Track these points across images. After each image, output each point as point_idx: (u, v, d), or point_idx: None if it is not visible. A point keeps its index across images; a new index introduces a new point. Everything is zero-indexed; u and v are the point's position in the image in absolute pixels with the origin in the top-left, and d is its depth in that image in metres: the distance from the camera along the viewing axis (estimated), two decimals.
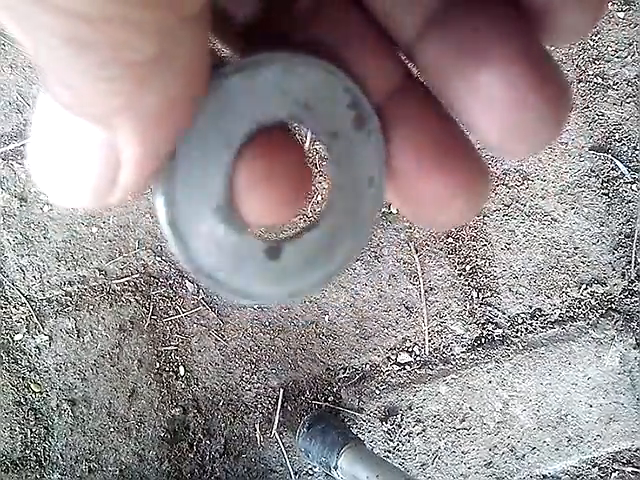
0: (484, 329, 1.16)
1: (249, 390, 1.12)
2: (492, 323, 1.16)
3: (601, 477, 1.15)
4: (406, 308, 1.15)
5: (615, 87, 1.23)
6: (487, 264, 1.17)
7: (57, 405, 1.11)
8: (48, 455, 1.10)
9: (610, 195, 1.20)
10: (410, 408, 1.13)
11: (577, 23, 0.14)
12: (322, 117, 0.15)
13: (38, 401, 1.11)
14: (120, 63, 0.10)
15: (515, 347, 1.16)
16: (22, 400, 1.11)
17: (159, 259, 1.14)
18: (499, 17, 0.13)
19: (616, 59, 1.24)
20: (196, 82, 0.12)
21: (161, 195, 0.14)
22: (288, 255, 0.16)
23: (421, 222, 0.16)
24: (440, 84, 0.14)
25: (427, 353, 1.15)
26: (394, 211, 1.17)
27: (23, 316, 1.12)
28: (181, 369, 1.12)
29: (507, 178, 1.19)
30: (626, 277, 1.19)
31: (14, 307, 1.12)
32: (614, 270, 1.19)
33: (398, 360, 1.14)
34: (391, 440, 1.12)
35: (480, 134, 0.14)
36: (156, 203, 0.15)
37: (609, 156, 1.21)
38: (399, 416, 1.13)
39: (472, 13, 0.13)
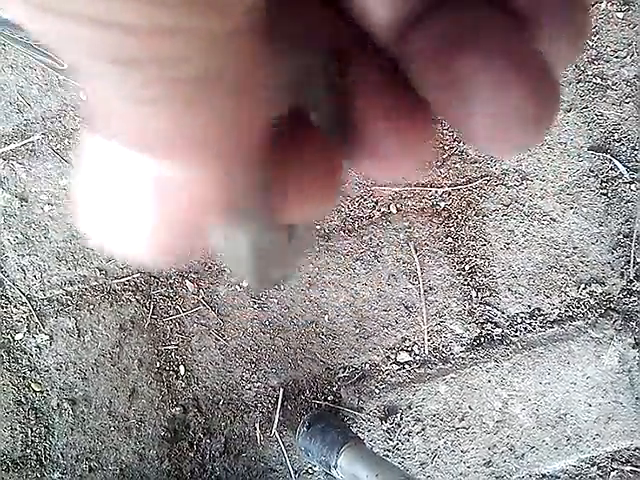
0: (483, 328, 1.16)
1: (249, 389, 1.12)
2: (491, 322, 1.16)
3: (600, 476, 1.15)
4: (405, 308, 1.15)
5: (614, 87, 1.23)
6: (486, 264, 1.17)
7: (58, 404, 1.11)
8: (49, 454, 1.10)
9: (609, 195, 1.20)
10: (410, 407, 1.13)
11: (562, 52, 0.13)
12: None
13: (39, 400, 1.11)
14: (165, 81, 0.09)
15: (514, 346, 1.16)
16: (23, 399, 1.11)
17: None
18: (484, 15, 0.13)
19: (615, 59, 1.24)
20: (253, 102, 0.11)
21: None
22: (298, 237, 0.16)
23: (377, 174, 0.15)
24: (422, 79, 0.14)
25: (426, 352, 1.15)
26: (394, 211, 1.17)
27: (24, 315, 1.12)
28: (181, 368, 1.12)
29: (506, 178, 1.19)
30: (625, 277, 1.19)
31: (15, 307, 1.13)
32: (613, 270, 1.19)
33: (398, 359, 1.14)
34: (391, 439, 1.13)
35: (463, 129, 0.14)
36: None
37: (608, 156, 1.21)
38: (399, 415, 1.13)
39: (455, 9, 0.13)
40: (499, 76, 0.12)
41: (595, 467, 1.15)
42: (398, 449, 1.13)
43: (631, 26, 1.25)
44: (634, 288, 1.19)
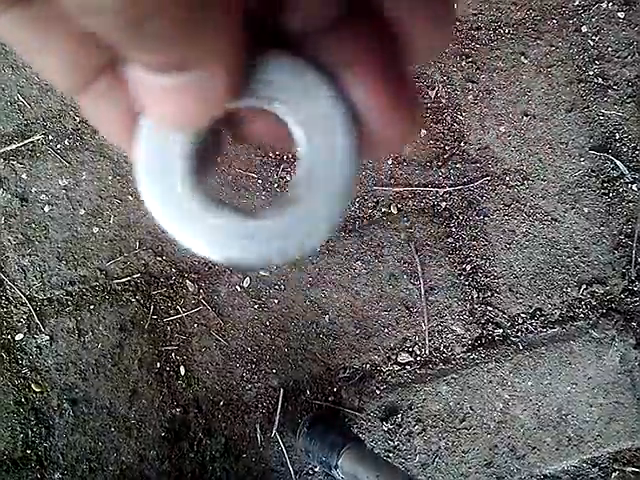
0: (484, 329, 1.16)
1: (249, 390, 1.12)
2: (492, 323, 1.16)
3: (601, 477, 1.15)
4: (406, 308, 1.15)
5: (615, 87, 1.23)
6: (487, 264, 1.17)
7: (58, 405, 1.11)
8: (49, 455, 1.10)
9: (610, 195, 1.20)
10: (410, 408, 1.13)
11: (427, 47, 0.17)
12: (297, 107, 0.17)
13: (39, 401, 1.11)
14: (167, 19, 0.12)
15: (515, 347, 1.16)
16: (23, 400, 1.11)
17: (160, 259, 1.14)
18: (366, 29, 0.16)
19: (616, 59, 1.24)
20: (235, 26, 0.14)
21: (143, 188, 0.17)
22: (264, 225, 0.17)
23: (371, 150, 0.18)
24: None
25: (427, 353, 1.15)
26: (394, 211, 1.17)
27: (24, 316, 1.12)
28: (182, 369, 1.12)
29: (507, 178, 1.19)
30: (626, 277, 1.19)
31: (15, 307, 1.12)
32: (614, 270, 1.19)
33: (398, 360, 1.14)
34: (391, 440, 1.12)
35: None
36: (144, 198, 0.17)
37: (609, 156, 1.21)
38: (399, 416, 1.13)
39: (356, 24, 0.16)
40: (366, 90, 0.17)
41: (596, 468, 1.15)
42: (399, 450, 1.12)
43: (632, 26, 1.25)
44: (635, 288, 1.18)
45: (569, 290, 1.18)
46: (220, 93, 0.15)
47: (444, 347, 1.15)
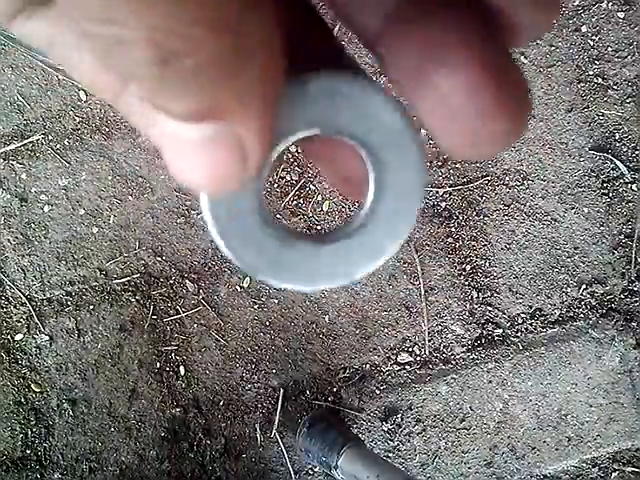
0: (484, 329, 1.16)
1: (249, 390, 1.12)
2: (492, 323, 1.16)
3: (601, 477, 1.15)
4: (406, 308, 1.15)
5: (615, 87, 1.23)
6: (487, 264, 1.17)
7: (58, 405, 1.11)
8: (49, 455, 1.10)
9: (610, 195, 1.20)
10: (410, 408, 1.13)
11: (535, 22, 0.14)
12: (365, 131, 0.16)
13: (39, 401, 1.11)
14: (204, 65, 0.11)
15: (515, 347, 1.16)
16: (23, 400, 1.11)
17: (159, 259, 1.14)
18: (459, 17, 0.13)
19: (616, 59, 1.24)
20: (273, 64, 0.13)
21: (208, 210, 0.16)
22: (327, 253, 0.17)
23: (459, 150, 0.15)
24: (402, 83, 0.14)
25: (427, 353, 1.15)
26: None
27: (24, 316, 1.12)
28: (181, 369, 1.12)
29: (507, 178, 1.19)
30: (626, 277, 1.19)
31: (14, 307, 1.12)
32: (614, 270, 1.19)
33: (398, 360, 1.14)
34: (391, 440, 1.12)
35: (437, 136, 0.14)
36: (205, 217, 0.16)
37: (609, 156, 1.21)
38: (399, 416, 1.13)
39: (432, 12, 0.13)
40: (479, 94, 0.13)
41: (596, 468, 1.15)
42: (399, 450, 1.12)
43: (632, 26, 1.25)
44: (635, 288, 1.18)
45: (569, 290, 1.18)
46: (255, 150, 0.13)
47: (444, 347, 1.15)
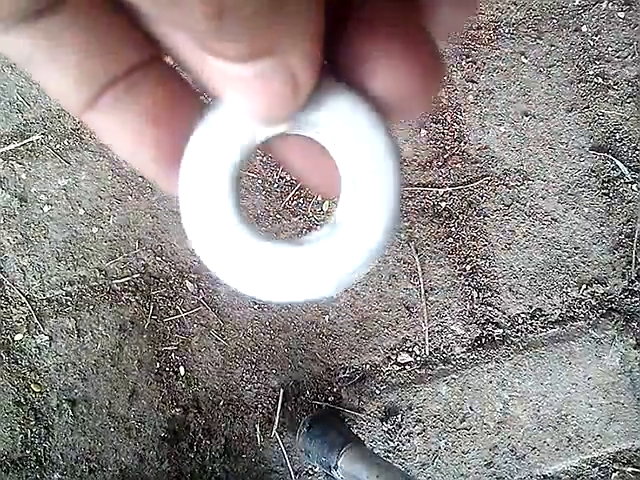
0: (484, 329, 1.16)
1: (249, 390, 1.12)
2: (492, 323, 1.16)
3: (601, 477, 1.15)
4: (406, 308, 1.15)
5: (615, 87, 1.23)
6: (487, 264, 1.17)
7: (57, 405, 1.10)
8: (48, 455, 1.10)
9: (610, 195, 1.20)
10: (410, 408, 1.13)
11: (452, 19, 0.17)
12: (339, 131, 0.16)
13: (38, 401, 1.11)
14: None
15: (515, 347, 1.16)
16: (22, 400, 1.11)
17: (159, 259, 1.14)
18: (393, 9, 0.16)
19: (616, 59, 1.24)
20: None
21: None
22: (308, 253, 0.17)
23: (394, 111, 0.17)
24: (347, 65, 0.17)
25: (427, 353, 1.15)
26: None
27: (23, 316, 1.12)
28: (181, 369, 1.12)
29: (507, 178, 1.19)
30: (626, 277, 1.18)
31: (14, 307, 1.12)
32: (614, 270, 1.19)
33: (398, 360, 1.14)
34: (391, 440, 1.12)
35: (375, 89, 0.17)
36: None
37: (609, 156, 1.20)
38: (399, 416, 1.13)
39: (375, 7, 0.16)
40: (393, 58, 0.16)
41: (596, 468, 1.15)
42: (399, 450, 1.12)
43: (632, 26, 1.25)
44: (635, 288, 1.18)
45: (569, 290, 1.18)
46: (305, 80, 0.15)
47: (444, 347, 1.15)
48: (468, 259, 1.17)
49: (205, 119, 0.16)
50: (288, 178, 1.16)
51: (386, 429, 1.12)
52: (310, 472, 1.11)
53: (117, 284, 1.13)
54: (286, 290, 0.16)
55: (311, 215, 1.16)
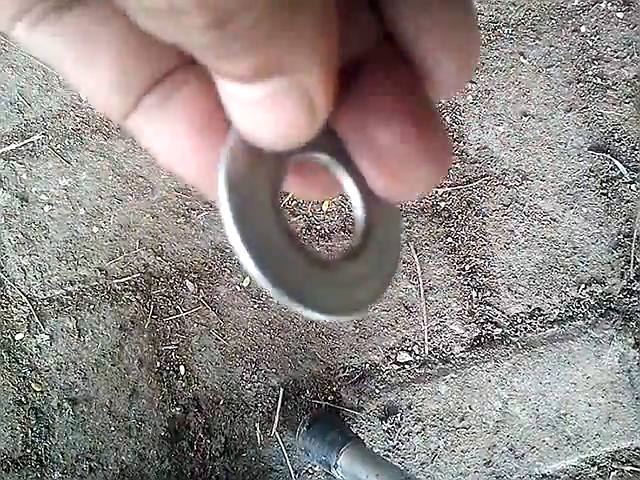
0: (483, 328, 1.16)
1: (249, 389, 1.12)
2: (491, 322, 1.16)
3: (600, 476, 1.15)
4: (405, 307, 1.15)
5: (614, 87, 1.23)
6: (486, 264, 1.17)
7: (58, 404, 1.11)
8: (49, 454, 1.10)
9: (609, 195, 1.20)
10: (410, 407, 1.13)
11: (453, 81, 0.16)
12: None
13: (39, 400, 1.11)
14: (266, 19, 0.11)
15: (514, 346, 1.16)
16: (23, 399, 1.11)
17: (160, 259, 1.14)
18: (393, 79, 0.15)
19: (615, 59, 1.24)
20: (328, 19, 0.13)
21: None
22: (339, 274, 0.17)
23: (390, 192, 0.16)
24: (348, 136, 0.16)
25: (427, 352, 1.15)
26: None
27: (24, 315, 1.12)
28: (181, 368, 1.12)
29: (506, 178, 1.19)
30: (625, 277, 1.19)
31: (15, 306, 1.13)
32: (613, 270, 1.19)
33: (398, 359, 1.14)
34: (391, 439, 1.13)
35: (368, 177, 0.16)
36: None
37: (608, 156, 1.21)
38: (399, 415, 1.13)
39: (372, 74, 0.15)
40: (407, 142, 0.15)
41: (595, 467, 1.15)
42: (398, 449, 1.13)
43: (631, 26, 1.25)
44: (634, 288, 1.18)
45: (568, 290, 1.18)
46: (322, 102, 0.13)
47: (443, 347, 1.15)
48: (467, 259, 1.17)
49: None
50: None
51: (385, 428, 1.12)
52: (310, 471, 1.11)
53: (117, 284, 1.13)
54: (319, 307, 0.16)
55: (311, 215, 1.16)
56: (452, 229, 1.17)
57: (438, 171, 0.15)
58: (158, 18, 0.11)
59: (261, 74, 0.12)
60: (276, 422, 1.11)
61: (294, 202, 1.16)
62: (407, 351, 1.15)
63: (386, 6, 0.15)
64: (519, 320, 1.17)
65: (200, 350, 1.12)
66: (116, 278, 1.13)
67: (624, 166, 1.20)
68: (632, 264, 1.18)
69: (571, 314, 1.17)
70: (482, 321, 1.16)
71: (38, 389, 1.11)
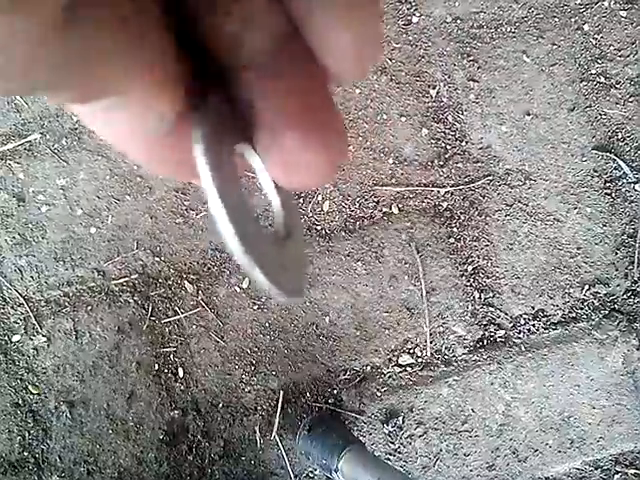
0: (486, 330, 1.15)
1: (249, 392, 1.11)
2: (494, 324, 1.15)
3: (603, 479, 1.14)
4: (407, 309, 1.14)
5: (618, 86, 1.22)
6: (489, 264, 1.16)
7: (55, 407, 1.10)
8: (46, 457, 1.09)
9: (613, 195, 1.19)
10: (411, 410, 1.12)
11: (350, 75, 0.16)
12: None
13: (36, 403, 1.10)
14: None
15: (517, 348, 1.15)
16: (20, 402, 1.10)
17: (158, 260, 1.14)
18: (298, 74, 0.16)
19: (619, 58, 1.23)
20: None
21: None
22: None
23: (287, 181, 0.17)
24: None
25: (429, 355, 1.14)
26: (395, 211, 1.16)
27: (21, 317, 1.12)
28: (180, 371, 1.11)
29: (509, 178, 1.19)
30: (629, 277, 1.18)
31: (12, 308, 1.12)
32: (617, 270, 1.18)
33: (399, 362, 1.13)
34: (392, 442, 1.12)
35: (270, 169, 0.17)
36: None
37: (612, 156, 1.20)
38: (400, 418, 1.12)
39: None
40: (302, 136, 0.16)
41: (599, 470, 1.14)
42: (400, 452, 1.12)
43: (635, 25, 1.24)
44: (638, 289, 1.18)
45: (571, 291, 1.17)
46: (161, 98, 0.14)
47: (445, 349, 1.14)
48: (470, 259, 1.16)
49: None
50: None
51: (387, 431, 1.12)
52: (310, 475, 1.10)
53: (115, 285, 1.13)
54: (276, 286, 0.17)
55: (311, 215, 1.16)
56: (454, 229, 1.17)
57: (331, 163, 0.16)
58: None
59: (82, 100, 0.13)
60: (276, 425, 1.10)
61: (294, 202, 1.16)
62: (409, 353, 1.14)
63: None
64: (522, 322, 1.16)
65: (199, 352, 1.12)
66: (114, 279, 1.13)
67: (628, 166, 1.19)
68: (636, 265, 1.18)
69: (575, 315, 1.16)
70: (485, 323, 1.15)
71: (35, 391, 1.10)
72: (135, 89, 0.13)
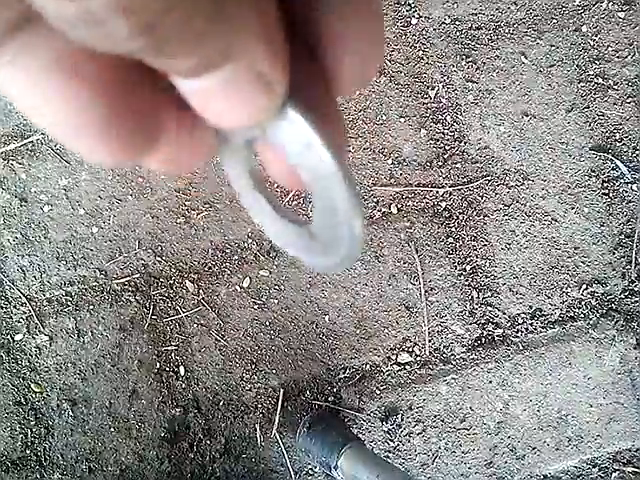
0: (484, 329, 1.16)
1: (249, 390, 1.12)
2: (492, 323, 1.16)
3: (601, 477, 1.15)
4: (406, 308, 1.15)
5: (615, 87, 1.23)
6: (487, 264, 1.17)
7: (57, 405, 1.10)
8: (48, 455, 1.10)
9: (610, 195, 1.20)
10: (410, 408, 1.13)
11: (356, 80, 0.16)
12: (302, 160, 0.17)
13: (38, 401, 1.11)
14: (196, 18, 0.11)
15: (515, 347, 1.16)
16: (22, 400, 1.11)
17: (159, 259, 1.14)
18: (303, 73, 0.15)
19: (616, 59, 1.24)
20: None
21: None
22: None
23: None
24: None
25: (427, 353, 1.15)
26: (394, 211, 1.17)
27: (23, 316, 1.12)
28: (181, 369, 1.12)
29: (507, 178, 1.19)
30: (626, 277, 1.18)
31: (14, 307, 1.12)
32: (614, 270, 1.18)
33: (398, 360, 1.14)
34: (391, 440, 1.12)
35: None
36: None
37: (609, 156, 1.20)
38: (399, 416, 1.13)
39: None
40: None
41: (596, 468, 1.15)
42: (399, 450, 1.12)
43: (632, 26, 1.25)
44: (635, 288, 1.18)
45: (569, 290, 1.17)
46: (276, 77, 0.14)
47: (444, 347, 1.15)
48: (468, 259, 1.17)
49: None
50: None
51: (386, 429, 1.12)
52: (310, 472, 1.11)
53: (117, 284, 1.13)
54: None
55: (311, 215, 1.16)
56: (453, 229, 1.17)
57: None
58: (84, 30, 0.10)
59: (208, 67, 0.12)
60: (276, 423, 1.10)
61: (294, 202, 1.16)
62: (408, 352, 1.14)
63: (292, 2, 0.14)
64: (520, 321, 1.16)
65: (200, 351, 1.12)
66: (116, 278, 1.13)
67: (625, 166, 1.20)
68: (633, 264, 1.18)
69: (572, 315, 1.17)
70: (483, 322, 1.16)
71: (37, 390, 1.11)
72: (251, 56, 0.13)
